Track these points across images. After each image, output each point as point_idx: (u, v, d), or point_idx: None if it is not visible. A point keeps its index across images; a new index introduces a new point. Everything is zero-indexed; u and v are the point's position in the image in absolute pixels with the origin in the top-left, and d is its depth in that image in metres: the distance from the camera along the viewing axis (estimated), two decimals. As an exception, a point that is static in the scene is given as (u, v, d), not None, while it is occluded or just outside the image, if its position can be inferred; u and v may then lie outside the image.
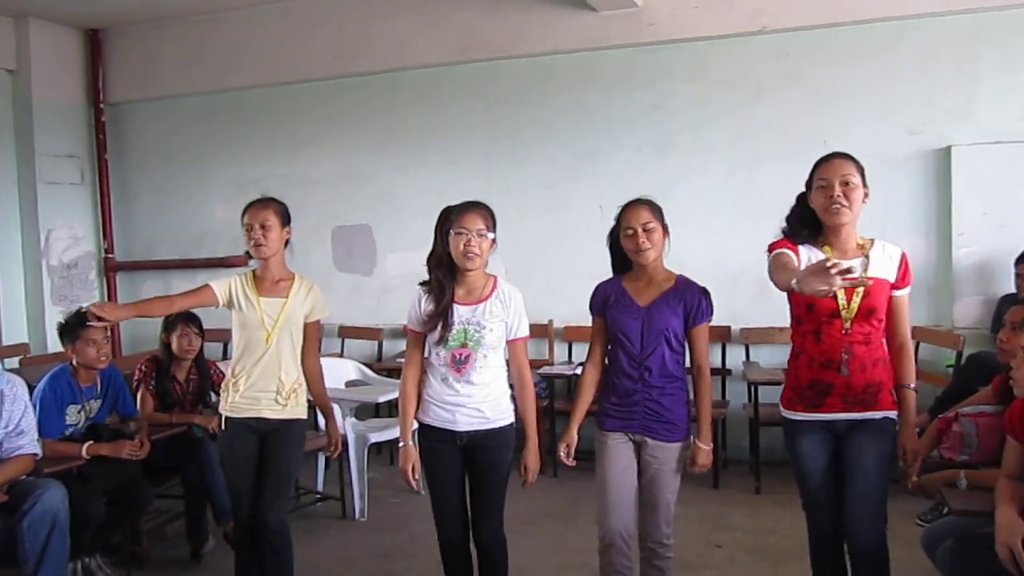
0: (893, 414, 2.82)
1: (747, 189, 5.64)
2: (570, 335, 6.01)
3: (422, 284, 3.12)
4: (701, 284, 3.11)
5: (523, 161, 6.21)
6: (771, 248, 2.81)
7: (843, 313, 2.73)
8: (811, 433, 2.83)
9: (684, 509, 3.16)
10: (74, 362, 4.03)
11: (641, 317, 3.03)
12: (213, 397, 4.64)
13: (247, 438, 3.37)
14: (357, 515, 4.82)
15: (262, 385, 3.36)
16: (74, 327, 3.99)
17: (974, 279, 5.26)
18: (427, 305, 3.06)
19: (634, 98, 5.91)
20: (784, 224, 2.87)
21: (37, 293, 7.02)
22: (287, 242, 3.44)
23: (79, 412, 4.01)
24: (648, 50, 5.83)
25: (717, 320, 5.38)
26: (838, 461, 2.83)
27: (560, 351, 6.10)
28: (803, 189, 2.85)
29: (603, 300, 3.14)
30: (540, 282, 6.03)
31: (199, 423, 4.44)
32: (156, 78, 7.24)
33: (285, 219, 3.40)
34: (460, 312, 3.03)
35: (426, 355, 3.14)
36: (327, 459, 5.19)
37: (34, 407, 3.72)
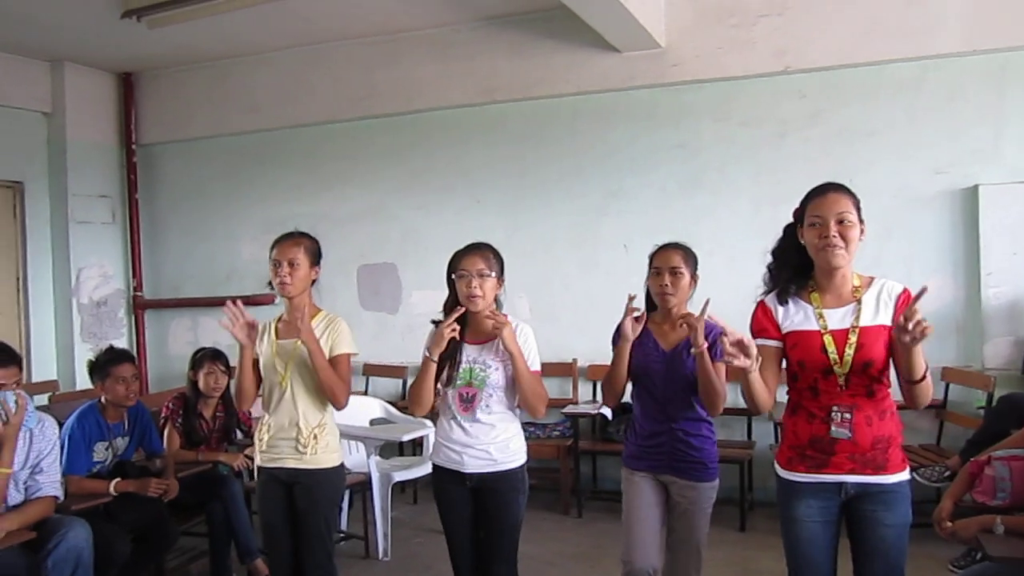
0: (907, 476, 2.51)
1: (773, 227, 5.52)
2: (595, 374, 5.98)
3: (435, 323, 3.12)
4: (723, 323, 3.08)
5: (548, 200, 6.24)
6: (755, 326, 2.62)
7: (836, 368, 2.45)
8: (813, 497, 2.50)
9: (710, 553, 3.10)
10: (103, 399, 4.06)
11: (664, 361, 3.04)
12: (239, 435, 4.66)
13: (276, 491, 3.25)
14: (381, 555, 4.78)
15: (283, 432, 3.22)
16: (104, 364, 4.04)
17: (1004, 319, 5.19)
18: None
19: (659, 137, 5.94)
20: (769, 258, 2.68)
21: (67, 330, 7.11)
22: (314, 281, 3.32)
23: (106, 449, 4.04)
24: (672, 90, 5.88)
25: (743, 360, 5.30)
26: (849, 532, 2.53)
27: (584, 390, 6.07)
28: (791, 220, 2.65)
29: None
30: (565, 320, 6.03)
31: (224, 461, 4.47)
32: (186, 120, 7.39)
33: (315, 257, 3.29)
34: (468, 352, 3.04)
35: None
36: (351, 498, 5.18)
37: (62, 444, 3.75)
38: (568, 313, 6.08)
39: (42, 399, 5.99)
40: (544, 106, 6.23)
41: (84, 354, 5.95)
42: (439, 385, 3.07)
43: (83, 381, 5.74)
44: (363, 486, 4.86)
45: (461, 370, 3.02)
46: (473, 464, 3.01)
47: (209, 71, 7.27)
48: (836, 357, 2.45)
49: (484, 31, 6.30)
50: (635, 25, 5.31)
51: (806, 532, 2.52)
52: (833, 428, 2.45)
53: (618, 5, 4.95)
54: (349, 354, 3.29)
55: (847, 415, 2.44)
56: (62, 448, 3.72)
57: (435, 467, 3.12)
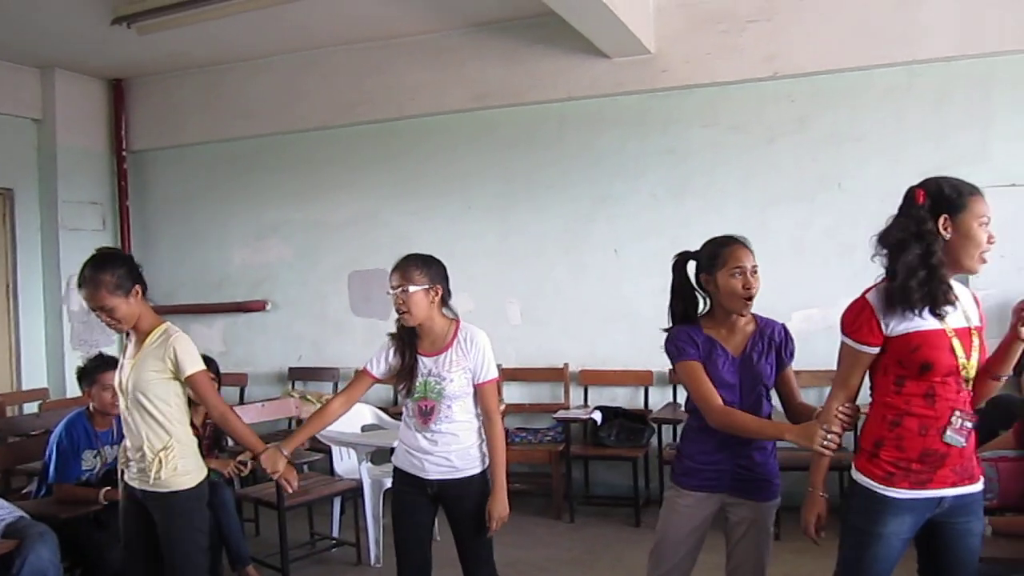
0: (982, 483, 2.46)
1: (761, 231, 5.59)
2: (586, 378, 5.97)
3: (390, 335, 3.12)
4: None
5: (538, 205, 6.25)
6: (851, 325, 2.45)
7: (963, 372, 2.34)
8: (910, 513, 2.34)
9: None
10: (91, 407, 4.06)
11: (739, 368, 2.80)
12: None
13: (132, 508, 3.15)
14: (372, 561, 4.77)
15: (133, 454, 3.09)
16: (92, 371, 4.04)
17: (993, 323, 5.11)
18: (394, 358, 3.08)
19: (648, 142, 5.96)
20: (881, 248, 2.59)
21: (57, 338, 7.09)
22: (145, 292, 3.16)
23: (95, 457, 4.03)
24: (661, 96, 5.89)
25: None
26: (934, 543, 2.43)
27: (576, 395, 6.07)
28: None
29: (697, 344, 2.81)
30: (556, 325, 6.04)
31: (215, 467, 4.43)
32: (177, 126, 7.38)
33: (127, 282, 3.06)
34: (424, 363, 3.03)
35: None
36: (343, 504, 5.17)
37: (50, 453, 3.74)
38: (559, 317, 6.08)
39: (32, 407, 5.98)
40: (534, 112, 6.24)
41: (74, 362, 5.93)
42: (400, 395, 3.09)
43: (73, 389, 5.72)
44: (355, 492, 4.85)
45: (417, 383, 3.02)
46: (434, 471, 3.02)
47: (200, 77, 7.26)
48: (965, 359, 2.37)
49: (475, 37, 6.31)
50: (625, 31, 5.33)
51: (889, 550, 2.36)
52: (949, 433, 2.30)
53: (608, 11, 4.96)
54: (202, 371, 3.12)
55: (967, 423, 2.32)
56: (51, 457, 3.71)
57: (396, 470, 3.13)
